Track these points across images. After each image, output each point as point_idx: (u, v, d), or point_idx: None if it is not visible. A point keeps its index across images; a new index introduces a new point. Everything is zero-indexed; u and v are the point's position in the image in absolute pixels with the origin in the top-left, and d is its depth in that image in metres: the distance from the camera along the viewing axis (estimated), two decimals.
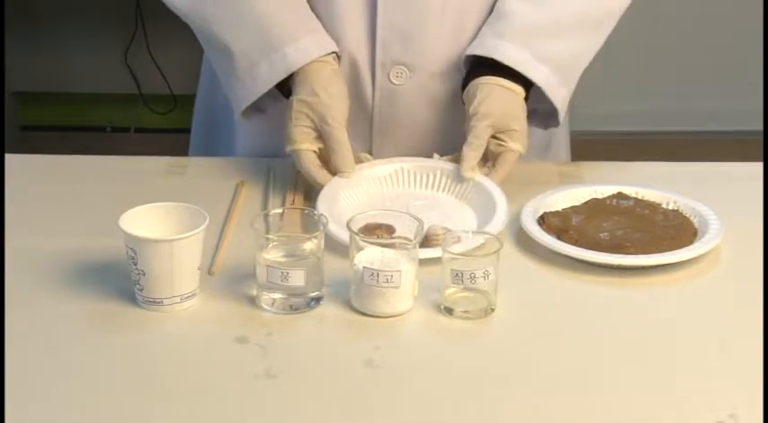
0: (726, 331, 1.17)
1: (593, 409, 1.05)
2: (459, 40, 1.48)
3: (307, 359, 1.12)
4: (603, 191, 1.39)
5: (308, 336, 1.16)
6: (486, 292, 1.19)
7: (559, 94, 1.46)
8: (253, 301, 1.20)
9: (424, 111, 1.51)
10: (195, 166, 1.53)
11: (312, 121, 1.40)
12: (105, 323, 1.17)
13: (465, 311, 1.18)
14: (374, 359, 1.11)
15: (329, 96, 1.40)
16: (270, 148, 1.53)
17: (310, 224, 1.23)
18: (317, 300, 1.20)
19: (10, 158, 1.47)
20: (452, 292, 1.19)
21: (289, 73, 1.42)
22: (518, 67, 1.43)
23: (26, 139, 3.59)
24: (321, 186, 1.38)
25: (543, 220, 1.34)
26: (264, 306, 1.19)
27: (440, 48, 1.48)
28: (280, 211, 1.25)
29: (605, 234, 1.30)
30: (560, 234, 1.31)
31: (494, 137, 1.41)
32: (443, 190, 1.42)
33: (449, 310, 1.19)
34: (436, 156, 1.45)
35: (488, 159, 1.42)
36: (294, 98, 1.41)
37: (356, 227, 1.19)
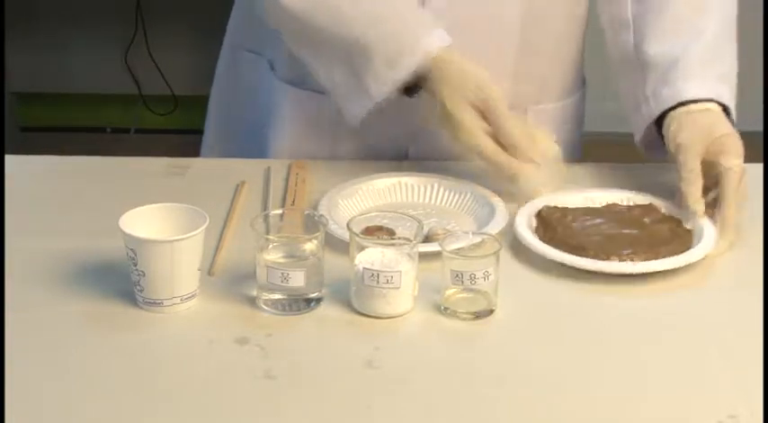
0: (725, 334, 1.17)
1: (594, 410, 1.05)
2: (497, 54, 1.48)
3: (307, 360, 1.12)
4: (596, 198, 1.39)
5: (308, 336, 1.16)
6: (486, 292, 1.19)
7: (733, 102, 1.46)
8: (253, 302, 1.20)
9: None
10: (195, 167, 1.53)
11: (468, 92, 1.37)
12: (105, 324, 1.17)
13: (465, 312, 1.18)
14: (374, 360, 1.11)
15: (472, 68, 1.38)
16: (303, 151, 1.54)
17: (310, 225, 1.23)
18: (317, 300, 1.20)
19: (10, 159, 1.47)
20: (452, 292, 1.19)
21: (428, 59, 1.38)
22: (713, 98, 1.41)
23: (26, 139, 3.59)
24: (514, 171, 1.37)
25: (540, 214, 1.34)
26: (264, 307, 1.19)
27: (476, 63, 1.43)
28: (280, 211, 1.25)
29: (596, 237, 1.30)
30: (548, 229, 1.31)
31: (709, 162, 1.35)
32: (442, 201, 1.42)
33: (449, 311, 1.19)
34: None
35: (712, 189, 1.36)
36: (437, 75, 1.38)
37: (356, 229, 1.19)
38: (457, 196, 1.42)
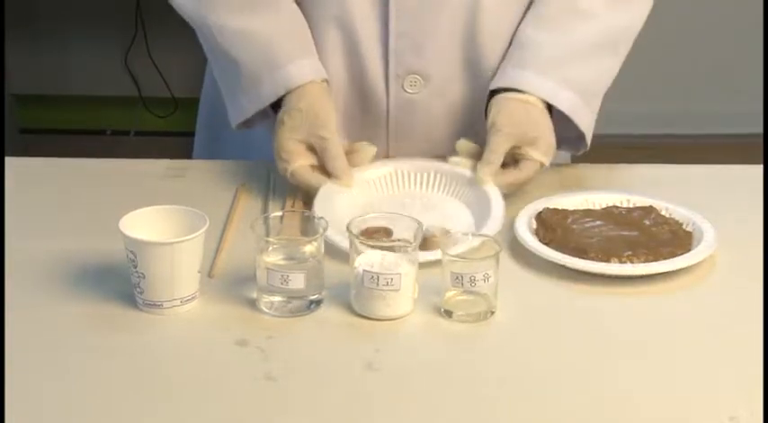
0: (725, 336, 1.17)
1: (594, 412, 1.05)
2: (471, 44, 1.48)
3: (307, 362, 1.12)
4: (596, 200, 1.39)
5: (308, 339, 1.16)
6: (486, 295, 1.19)
7: (585, 117, 1.46)
8: (253, 304, 1.20)
9: (440, 118, 1.51)
10: (195, 169, 1.53)
11: (304, 133, 1.40)
12: (105, 326, 1.17)
13: (465, 314, 1.18)
14: (374, 362, 1.11)
15: (323, 109, 1.41)
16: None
17: (310, 227, 1.22)
18: (317, 303, 1.20)
19: (9, 161, 1.47)
20: (452, 294, 1.19)
21: (289, 89, 1.42)
22: (542, 95, 1.43)
23: (26, 141, 3.59)
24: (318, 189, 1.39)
25: (540, 216, 1.34)
26: (264, 309, 1.19)
27: (453, 54, 1.48)
28: (280, 214, 1.25)
29: (596, 239, 1.30)
30: (548, 231, 1.31)
31: (517, 149, 1.40)
32: (438, 190, 1.42)
33: (449, 313, 1.19)
34: (453, 159, 1.43)
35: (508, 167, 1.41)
36: (286, 109, 1.42)
37: (355, 230, 1.19)
38: (449, 184, 1.41)
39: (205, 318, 1.19)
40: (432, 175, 1.43)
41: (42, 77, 3.71)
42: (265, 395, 1.07)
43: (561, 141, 1.46)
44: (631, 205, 1.38)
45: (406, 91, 1.49)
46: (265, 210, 1.40)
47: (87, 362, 1.11)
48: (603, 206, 1.38)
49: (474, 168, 1.40)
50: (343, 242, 1.23)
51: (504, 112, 1.41)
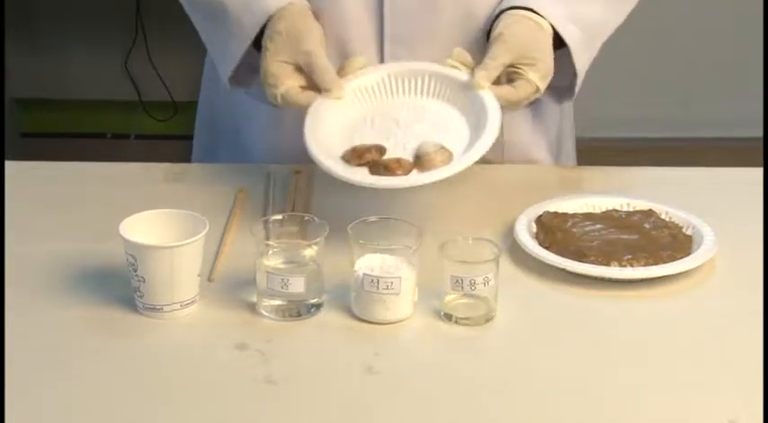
0: (725, 339, 1.17)
1: (593, 416, 1.05)
2: (467, 48, 1.48)
3: (307, 365, 1.12)
4: (596, 203, 1.39)
5: (308, 342, 1.16)
6: (486, 298, 1.19)
7: (582, 58, 1.45)
8: (253, 308, 1.20)
9: None
10: (195, 173, 1.53)
11: (288, 53, 1.37)
12: (105, 329, 1.17)
13: (465, 318, 1.18)
14: (374, 365, 1.11)
15: (304, 26, 1.38)
16: (276, 152, 1.54)
17: (310, 231, 1.22)
18: (317, 306, 1.20)
19: (10, 165, 1.47)
20: (452, 298, 1.19)
21: (269, 15, 1.40)
22: (552, 21, 1.41)
23: (26, 145, 3.59)
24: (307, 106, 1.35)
25: (540, 219, 1.34)
26: (264, 313, 1.19)
27: (447, 50, 1.47)
28: (280, 217, 1.25)
29: (596, 242, 1.30)
30: (548, 234, 1.31)
31: (515, 67, 1.37)
32: (432, 95, 1.38)
33: (449, 317, 1.19)
34: (449, 61, 1.38)
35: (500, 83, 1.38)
36: (267, 34, 1.39)
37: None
38: (447, 90, 1.37)
39: (205, 321, 1.19)
40: (426, 80, 1.38)
41: (43, 81, 3.71)
42: (265, 399, 1.07)
43: (548, 88, 1.42)
44: (631, 209, 1.38)
45: None
46: (265, 213, 1.40)
47: (87, 365, 1.11)
48: (603, 210, 1.38)
49: (470, 74, 1.36)
50: (335, 167, 1.20)
51: (514, 27, 1.39)
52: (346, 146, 1.30)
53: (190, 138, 1.73)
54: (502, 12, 1.43)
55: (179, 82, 3.62)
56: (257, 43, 1.42)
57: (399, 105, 1.38)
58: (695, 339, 1.17)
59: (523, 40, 1.38)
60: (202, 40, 1.52)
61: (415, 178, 1.24)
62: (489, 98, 1.33)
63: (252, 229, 1.20)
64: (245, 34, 1.42)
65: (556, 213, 1.36)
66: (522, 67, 1.37)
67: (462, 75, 1.37)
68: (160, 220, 1.21)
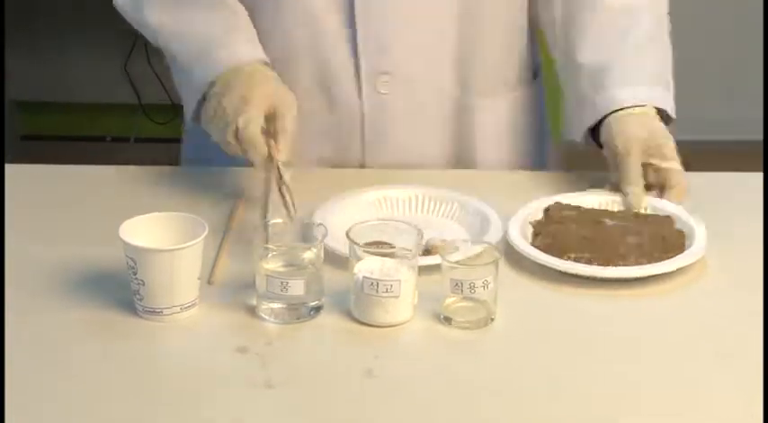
0: (725, 338, 1.17)
1: (592, 418, 1.05)
2: (440, 42, 1.49)
3: (306, 368, 1.12)
4: (593, 203, 1.39)
5: (307, 345, 1.16)
6: (485, 301, 1.19)
7: (671, 103, 1.46)
8: (252, 311, 1.20)
9: (414, 116, 1.52)
10: (195, 176, 1.53)
11: (270, 97, 1.36)
12: (105, 332, 1.17)
13: (464, 321, 1.18)
14: (374, 369, 1.11)
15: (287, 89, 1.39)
16: None
17: (310, 234, 1.22)
18: (317, 309, 1.20)
19: (10, 168, 1.47)
20: (452, 301, 1.19)
21: (218, 72, 1.40)
22: (639, 101, 1.42)
23: (26, 148, 3.59)
24: (261, 157, 1.34)
25: (548, 211, 1.35)
26: (264, 316, 1.19)
27: (420, 53, 1.49)
28: (279, 220, 1.25)
29: (592, 243, 1.30)
30: (546, 236, 1.32)
31: (648, 164, 1.39)
32: (432, 213, 1.41)
33: (448, 320, 1.19)
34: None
35: (653, 187, 1.40)
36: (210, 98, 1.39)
37: (356, 239, 1.19)
38: (444, 206, 1.41)
39: (205, 324, 1.19)
40: (419, 198, 1.42)
41: (43, 84, 3.72)
42: (265, 402, 1.07)
43: None
44: (624, 209, 1.38)
45: (378, 92, 1.49)
46: (265, 216, 1.40)
47: (87, 368, 1.11)
48: (601, 208, 1.38)
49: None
50: (344, 249, 1.22)
51: (623, 133, 1.40)
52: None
53: None
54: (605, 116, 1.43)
55: None
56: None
57: (401, 219, 1.37)
58: (695, 338, 1.17)
59: (638, 136, 1.39)
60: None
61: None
62: (490, 212, 1.37)
63: (252, 232, 1.20)
64: (195, 88, 1.43)
65: (555, 216, 1.36)
66: (655, 161, 1.39)
67: (462, 197, 1.40)
68: (160, 223, 1.21)
